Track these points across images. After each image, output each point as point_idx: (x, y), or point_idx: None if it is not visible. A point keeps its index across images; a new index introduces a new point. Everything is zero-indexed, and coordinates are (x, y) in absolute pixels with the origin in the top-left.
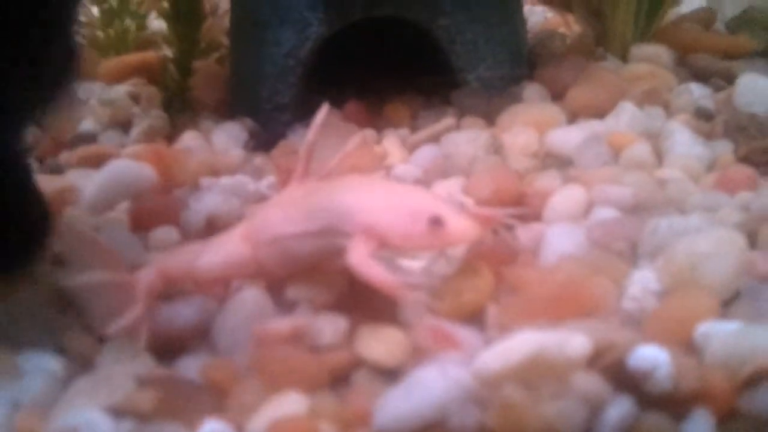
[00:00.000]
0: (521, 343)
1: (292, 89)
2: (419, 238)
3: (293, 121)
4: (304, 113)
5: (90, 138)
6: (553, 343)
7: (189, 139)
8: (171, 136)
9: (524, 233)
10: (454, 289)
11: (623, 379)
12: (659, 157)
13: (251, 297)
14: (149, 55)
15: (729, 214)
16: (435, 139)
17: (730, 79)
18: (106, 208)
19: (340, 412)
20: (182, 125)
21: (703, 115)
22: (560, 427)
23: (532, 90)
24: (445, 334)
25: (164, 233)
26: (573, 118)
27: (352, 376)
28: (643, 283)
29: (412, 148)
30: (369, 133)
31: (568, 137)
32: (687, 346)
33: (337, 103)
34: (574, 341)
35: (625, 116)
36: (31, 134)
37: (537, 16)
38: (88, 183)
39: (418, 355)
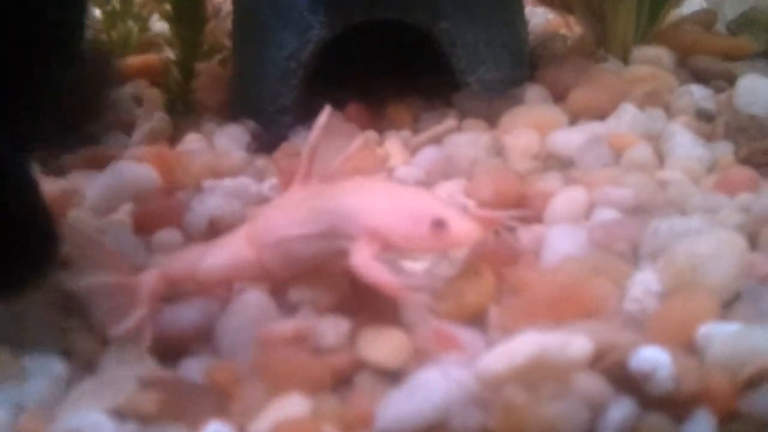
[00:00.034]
0: (523, 345)
1: (294, 91)
2: (422, 240)
3: (295, 123)
4: (306, 115)
5: (93, 140)
6: (555, 344)
7: (191, 141)
8: (173, 139)
9: (526, 235)
10: (456, 291)
11: (625, 380)
12: (660, 158)
13: (254, 299)
14: (152, 58)
15: (729, 215)
16: (436, 140)
17: (730, 80)
18: (109, 211)
19: (342, 414)
20: (185, 127)
21: (703, 117)
22: (562, 429)
23: (533, 92)
24: (447, 335)
25: (167, 235)
26: (574, 119)
27: (354, 377)
28: (644, 284)
29: (413, 150)
30: (371, 134)
31: (569, 139)
32: (688, 347)
33: (339, 105)
34: (575, 342)
35: (626, 118)
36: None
37: (538, 17)
38: (91, 185)
39: (420, 356)
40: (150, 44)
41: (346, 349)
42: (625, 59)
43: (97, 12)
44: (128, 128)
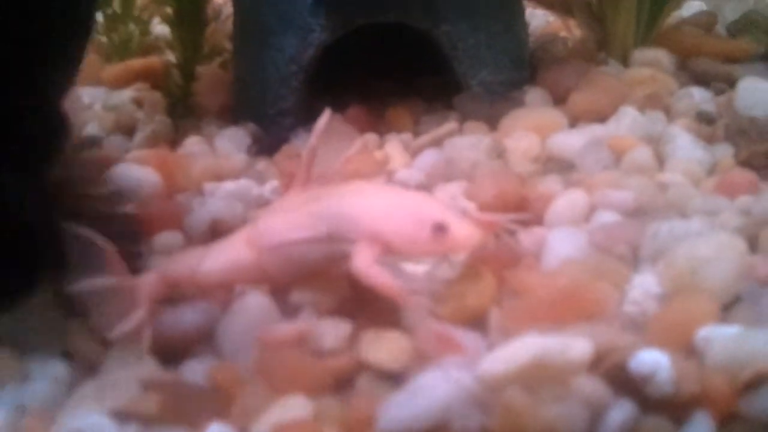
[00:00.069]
0: (523, 347)
1: (295, 94)
2: (423, 244)
3: (296, 126)
4: (307, 118)
5: (94, 143)
6: (555, 346)
7: (192, 143)
8: (174, 141)
9: (526, 237)
10: (456, 293)
11: (624, 382)
12: (660, 161)
13: (255, 301)
14: (153, 61)
15: (729, 218)
16: (437, 143)
17: (730, 82)
18: None
19: (343, 416)
20: (186, 130)
21: (704, 119)
22: (562, 431)
23: (533, 94)
24: (448, 338)
25: (168, 238)
26: (574, 122)
27: (355, 380)
28: (644, 287)
29: (414, 153)
30: (371, 137)
31: (569, 141)
32: (687, 349)
33: (340, 107)
34: (575, 345)
35: (627, 120)
36: None
37: (538, 20)
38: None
39: (421, 359)
40: (151, 47)
41: (347, 351)
42: (625, 62)
43: (98, 15)
44: (129, 131)
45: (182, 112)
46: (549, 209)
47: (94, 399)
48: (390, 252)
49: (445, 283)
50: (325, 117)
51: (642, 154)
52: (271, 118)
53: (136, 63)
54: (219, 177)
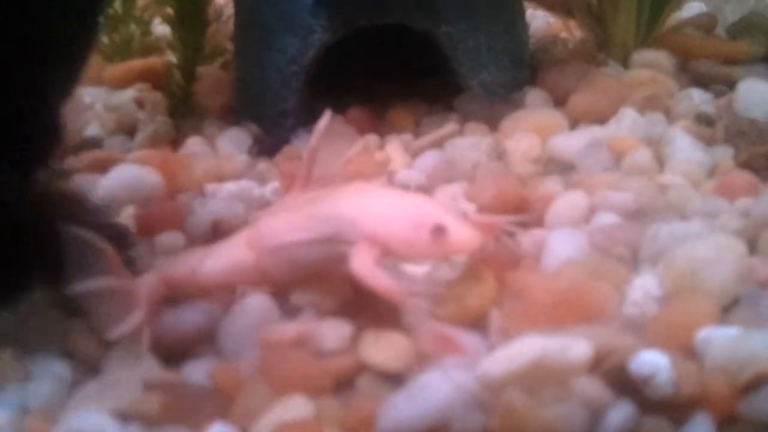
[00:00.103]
0: (524, 348)
1: (296, 95)
2: (422, 246)
3: (297, 127)
4: (307, 119)
5: (95, 143)
6: (555, 348)
7: (194, 144)
8: (176, 142)
9: (526, 239)
10: (457, 295)
11: (624, 383)
12: (660, 162)
13: (257, 302)
14: (154, 61)
15: (729, 219)
16: (438, 144)
17: (730, 84)
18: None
19: (344, 417)
20: (187, 131)
21: (703, 121)
22: (562, 431)
23: (534, 96)
24: (448, 339)
25: (170, 238)
26: (575, 123)
27: (356, 380)
28: (644, 288)
29: (415, 154)
30: (372, 138)
31: (570, 143)
32: (687, 351)
33: (341, 108)
34: (575, 346)
35: (627, 122)
36: None
37: (539, 21)
38: (93, 188)
39: (421, 360)
40: (152, 48)
41: (348, 352)
42: (626, 63)
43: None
44: (131, 131)
45: (183, 112)
46: (549, 210)
47: (96, 399)
48: (389, 254)
49: (445, 285)
50: (326, 118)
51: (642, 155)
52: (272, 119)
53: (138, 63)
54: (220, 178)
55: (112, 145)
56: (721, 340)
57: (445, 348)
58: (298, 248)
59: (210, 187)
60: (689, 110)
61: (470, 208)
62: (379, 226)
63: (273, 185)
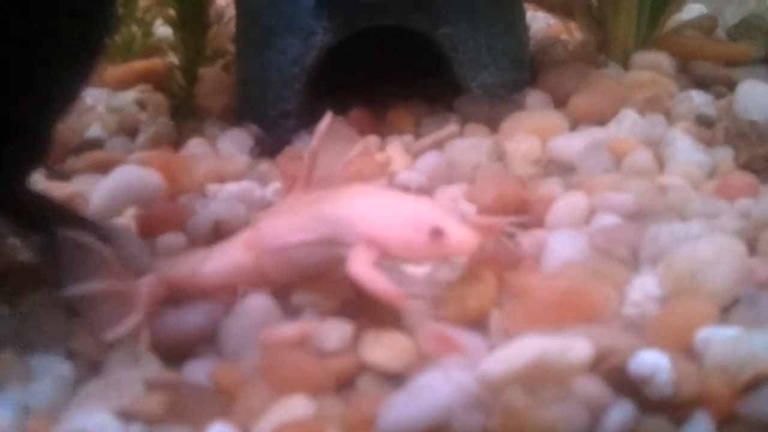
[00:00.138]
0: (524, 348)
1: (297, 96)
2: (420, 248)
3: (298, 128)
4: (309, 120)
5: (97, 144)
6: (556, 348)
7: (195, 145)
8: (177, 143)
9: (527, 240)
10: (457, 295)
11: (624, 383)
12: (660, 164)
13: (258, 302)
14: (155, 62)
15: (729, 221)
16: (438, 145)
17: (730, 86)
18: (114, 215)
19: (345, 416)
20: (188, 132)
21: (703, 123)
22: (562, 431)
23: (534, 97)
24: (448, 339)
25: (171, 239)
26: (575, 125)
27: (357, 380)
28: (644, 289)
29: (415, 155)
30: (373, 139)
31: (570, 144)
32: (687, 351)
33: (342, 109)
34: (576, 346)
35: (627, 123)
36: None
37: (539, 22)
38: (95, 189)
39: (422, 360)
40: (153, 49)
41: (349, 351)
42: (626, 65)
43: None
44: (132, 132)
45: (185, 113)
46: (549, 212)
47: (98, 398)
48: (387, 256)
49: (445, 285)
50: (327, 119)
51: (642, 157)
52: (273, 120)
53: (139, 65)
54: (221, 179)
55: (113, 146)
56: (720, 340)
57: (445, 348)
58: (297, 250)
59: (211, 188)
60: (689, 112)
61: (470, 209)
62: (377, 228)
63: (274, 186)
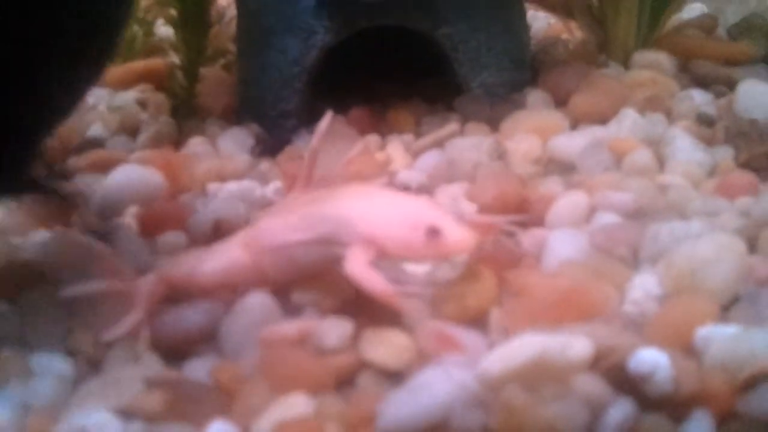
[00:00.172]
0: (524, 347)
1: (298, 96)
2: (417, 247)
3: (299, 127)
4: (309, 119)
5: (98, 143)
6: (555, 346)
7: (196, 144)
8: (178, 142)
9: (527, 238)
10: (457, 294)
11: (624, 381)
12: (661, 163)
13: (257, 301)
14: (156, 62)
15: (729, 219)
16: (439, 144)
17: (731, 85)
18: (115, 213)
19: (345, 414)
20: (189, 131)
21: (704, 122)
22: (562, 429)
23: (535, 96)
24: (448, 337)
25: (172, 238)
26: (575, 124)
27: (357, 378)
28: (644, 287)
29: (416, 154)
30: (373, 138)
31: (570, 143)
32: (687, 349)
33: (342, 109)
34: (575, 344)
35: (627, 122)
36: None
37: (540, 22)
38: (96, 188)
39: (422, 358)
40: (155, 49)
41: (349, 349)
42: (626, 64)
43: None
44: (133, 132)
45: (186, 113)
46: (550, 210)
47: (98, 397)
48: (384, 255)
49: (445, 284)
50: (326, 119)
51: (642, 156)
52: (274, 120)
53: (140, 64)
54: (222, 178)
55: (114, 145)
56: (720, 338)
57: (445, 346)
58: (294, 249)
59: (212, 187)
60: (690, 111)
61: (471, 208)
62: (374, 228)
63: (275, 185)
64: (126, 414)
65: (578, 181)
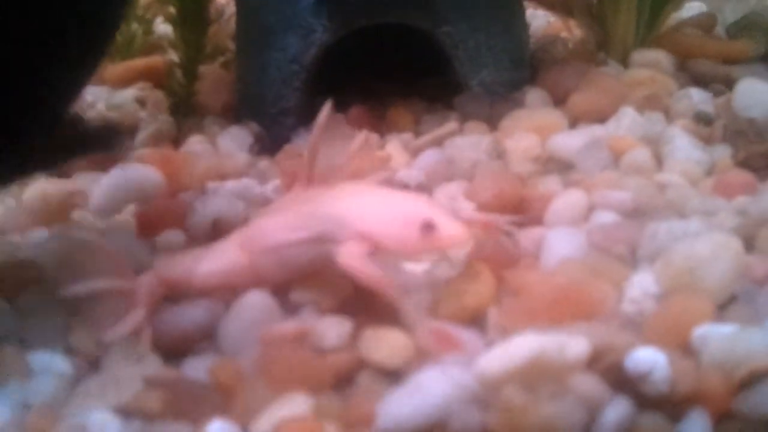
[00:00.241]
0: (522, 346)
1: (297, 94)
2: (412, 243)
3: (298, 125)
4: (308, 117)
5: None
6: (553, 345)
7: (195, 143)
8: (177, 140)
9: (526, 237)
10: (455, 292)
11: (621, 380)
12: (659, 161)
13: (257, 300)
14: (156, 60)
15: (727, 218)
16: (438, 143)
17: (729, 84)
18: (114, 212)
19: (344, 413)
20: (188, 129)
21: (702, 120)
22: (559, 428)
23: (534, 95)
24: (447, 336)
25: (171, 236)
26: (574, 122)
27: (356, 377)
28: (642, 286)
29: (415, 153)
30: (372, 136)
31: (569, 142)
32: (684, 348)
33: (341, 107)
34: (573, 343)
35: (626, 121)
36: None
37: (539, 20)
38: (95, 186)
39: (421, 357)
40: (154, 47)
41: (348, 348)
42: (625, 63)
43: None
44: (132, 130)
45: (185, 111)
46: (548, 209)
47: (97, 396)
48: (380, 251)
49: (444, 283)
50: (325, 111)
51: (641, 154)
52: (273, 118)
53: (139, 62)
54: (221, 176)
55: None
56: (717, 337)
57: (444, 345)
58: (288, 248)
59: (211, 185)
60: (688, 109)
61: (470, 206)
62: (369, 224)
63: (274, 183)
64: (125, 412)
65: (577, 180)
